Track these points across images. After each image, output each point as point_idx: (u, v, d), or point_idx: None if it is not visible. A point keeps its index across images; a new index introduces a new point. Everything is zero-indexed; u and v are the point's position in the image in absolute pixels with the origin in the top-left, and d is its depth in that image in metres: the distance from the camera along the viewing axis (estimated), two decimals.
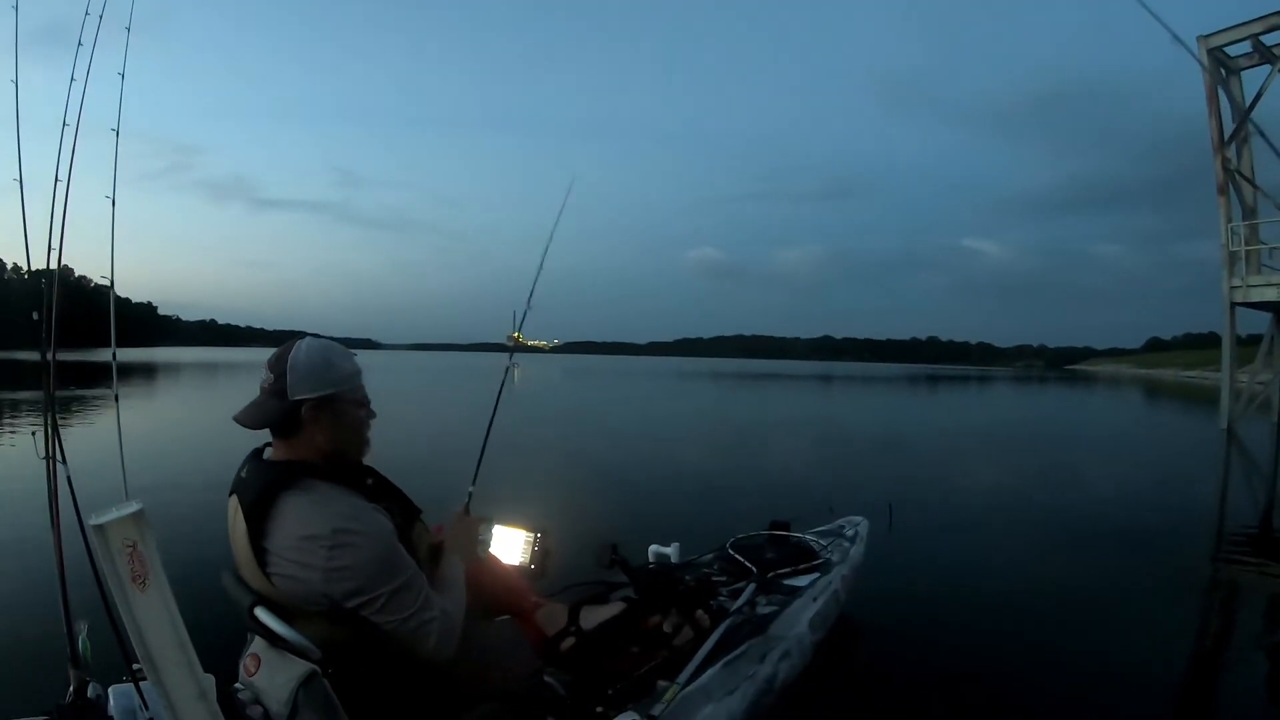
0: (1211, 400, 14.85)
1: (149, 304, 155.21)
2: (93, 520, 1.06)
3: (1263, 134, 12.78)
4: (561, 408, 18.93)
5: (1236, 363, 13.67)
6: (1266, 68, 12.82)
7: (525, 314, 2.04)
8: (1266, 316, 13.76)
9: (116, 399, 2.09)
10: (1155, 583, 4.23)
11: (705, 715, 1.92)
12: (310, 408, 1.42)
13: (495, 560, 1.93)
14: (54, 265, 1.71)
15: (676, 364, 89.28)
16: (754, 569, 2.76)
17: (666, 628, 2.15)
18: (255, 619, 1.33)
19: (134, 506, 1.10)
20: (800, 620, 2.53)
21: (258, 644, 1.40)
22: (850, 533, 3.50)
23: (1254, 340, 15.01)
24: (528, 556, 2.01)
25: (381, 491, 1.51)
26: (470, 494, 1.78)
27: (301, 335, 1.50)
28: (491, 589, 1.85)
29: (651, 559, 3.00)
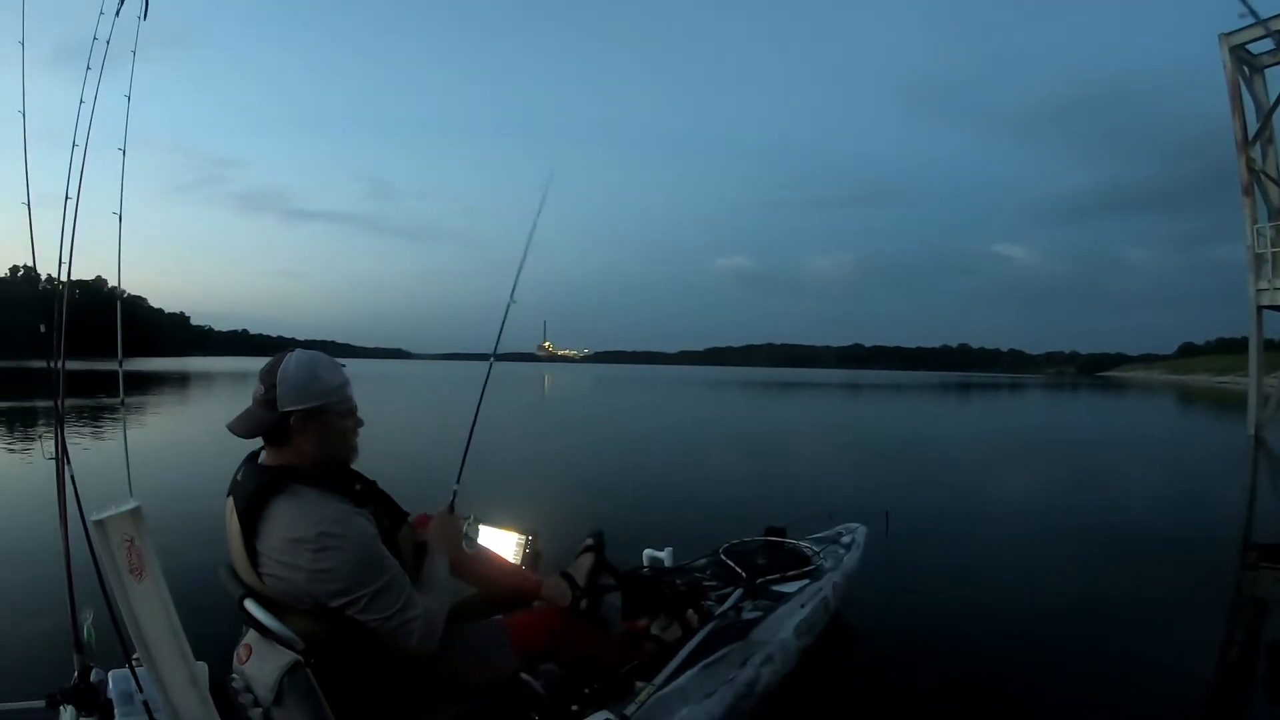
0: (1241, 406, 14.47)
1: (182, 314, 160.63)
2: (93, 516, 1.18)
3: None
4: (583, 415, 19.21)
5: (1264, 368, 13.32)
6: None
7: (509, 308, 2.10)
8: None
9: (123, 404, 2.23)
10: (1176, 592, 4.13)
11: (681, 717, 1.94)
12: (298, 419, 1.51)
13: (489, 552, 1.98)
14: (64, 278, 1.85)
15: (704, 373, 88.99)
16: (744, 574, 2.80)
17: (654, 629, 2.21)
18: (245, 610, 1.43)
19: (132, 504, 1.21)
20: (785, 626, 2.54)
21: (250, 635, 1.51)
22: (846, 540, 3.47)
23: None
24: (519, 558, 2.08)
25: (369, 496, 1.60)
26: (455, 492, 1.87)
27: (293, 347, 1.60)
28: (493, 576, 1.93)
29: (645, 562, 3.07)
